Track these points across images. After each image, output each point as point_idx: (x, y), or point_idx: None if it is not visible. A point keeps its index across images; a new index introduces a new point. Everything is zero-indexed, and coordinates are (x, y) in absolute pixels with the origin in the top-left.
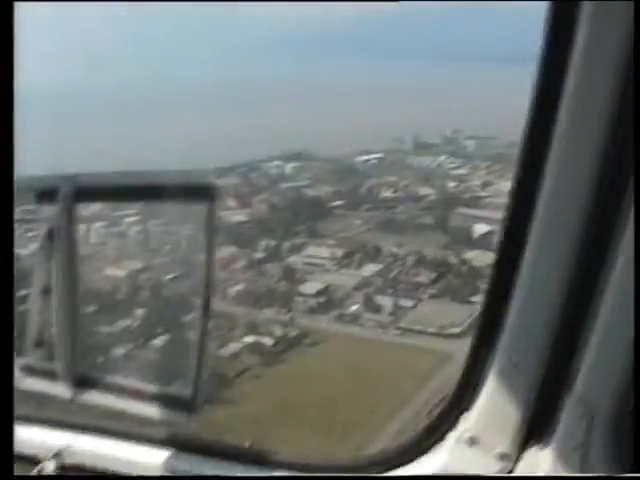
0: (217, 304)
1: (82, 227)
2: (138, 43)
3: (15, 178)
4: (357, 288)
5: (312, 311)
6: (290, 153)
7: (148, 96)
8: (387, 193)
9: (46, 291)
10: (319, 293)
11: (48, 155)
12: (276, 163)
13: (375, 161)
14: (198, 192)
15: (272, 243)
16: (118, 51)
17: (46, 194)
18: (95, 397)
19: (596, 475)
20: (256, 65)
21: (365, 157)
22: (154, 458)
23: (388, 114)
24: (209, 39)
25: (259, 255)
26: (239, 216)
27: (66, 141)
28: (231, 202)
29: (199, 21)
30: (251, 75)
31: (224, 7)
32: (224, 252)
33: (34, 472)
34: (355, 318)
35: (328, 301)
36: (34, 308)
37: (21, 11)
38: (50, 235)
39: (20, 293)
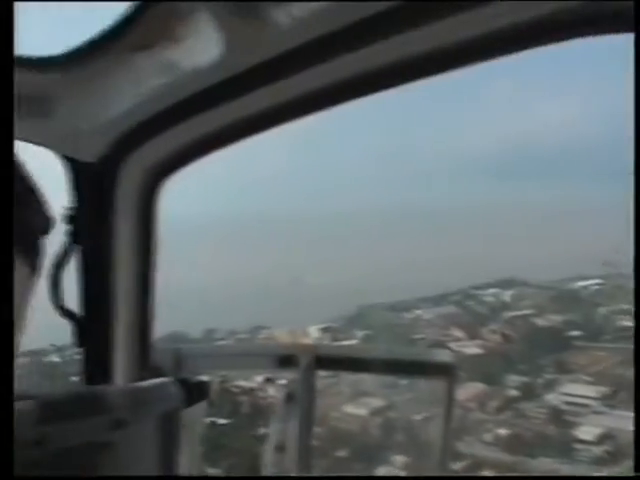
0: (482, 450)
1: None
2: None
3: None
4: None
5: (599, 462)
6: (501, 279)
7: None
8: (625, 322)
9: (281, 448)
10: (601, 440)
11: None
12: (491, 291)
13: (596, 287)
14: (438, 369)
15: (521, 379)
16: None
17: (286, 360)
18: None
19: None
20: (432, 188)
21: (584, 283)
22: None
23: (585, 237)
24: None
25: (512, 393)
26: (471, 348)
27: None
28: (457, 332)
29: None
30: (427, 198)
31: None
32: (472, 389)
33: None
34: None
35: (615, 449)
36: (268, 462)
37: None
38: (289, 398)
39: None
